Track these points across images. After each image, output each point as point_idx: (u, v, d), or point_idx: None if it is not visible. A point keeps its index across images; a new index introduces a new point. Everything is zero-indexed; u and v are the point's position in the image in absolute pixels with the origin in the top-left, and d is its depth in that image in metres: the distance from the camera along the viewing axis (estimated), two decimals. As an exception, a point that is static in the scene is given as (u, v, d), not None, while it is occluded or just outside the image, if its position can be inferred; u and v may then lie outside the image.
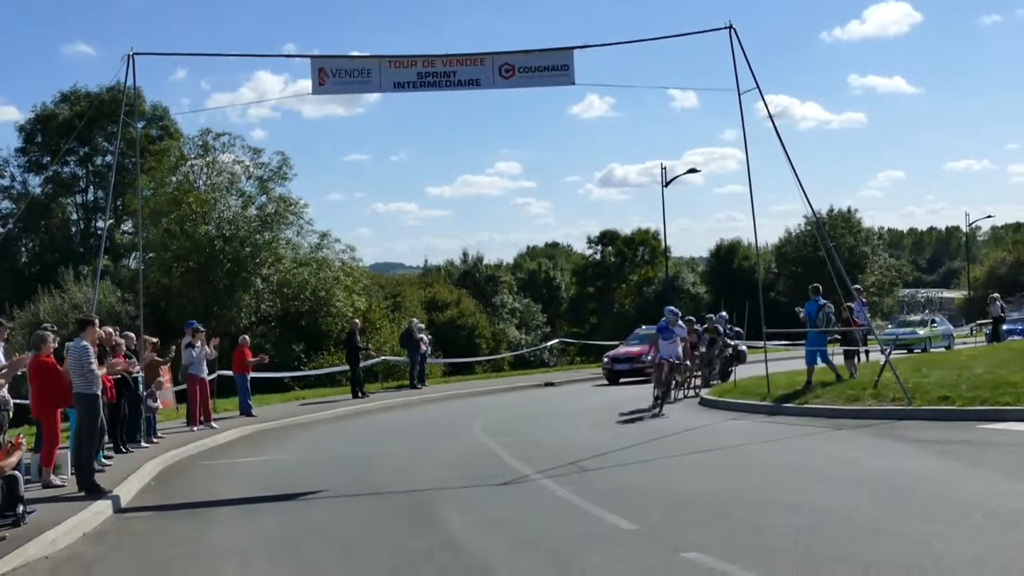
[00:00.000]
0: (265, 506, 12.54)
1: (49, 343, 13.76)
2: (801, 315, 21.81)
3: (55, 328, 15.69)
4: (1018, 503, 9.40)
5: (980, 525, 8.64)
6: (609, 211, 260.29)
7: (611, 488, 11.96)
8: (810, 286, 21.66)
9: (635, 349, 32.57)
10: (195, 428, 21.16)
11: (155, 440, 19.09)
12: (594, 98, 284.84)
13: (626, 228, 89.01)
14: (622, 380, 32.33)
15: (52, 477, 13.73)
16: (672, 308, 22.82)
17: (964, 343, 44.52)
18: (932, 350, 40.81)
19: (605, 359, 34.41)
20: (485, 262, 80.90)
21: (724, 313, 29.36)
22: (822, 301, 21.17)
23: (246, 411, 24.72)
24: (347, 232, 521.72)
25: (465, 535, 9.87)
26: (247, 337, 26.85)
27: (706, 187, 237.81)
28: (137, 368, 17.91)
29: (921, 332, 43.16)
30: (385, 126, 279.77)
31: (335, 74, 18.12)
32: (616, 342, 42.47)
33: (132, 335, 18.96)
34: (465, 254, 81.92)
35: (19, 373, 13.80)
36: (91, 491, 12.81)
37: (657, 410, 21.17)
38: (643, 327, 36.63)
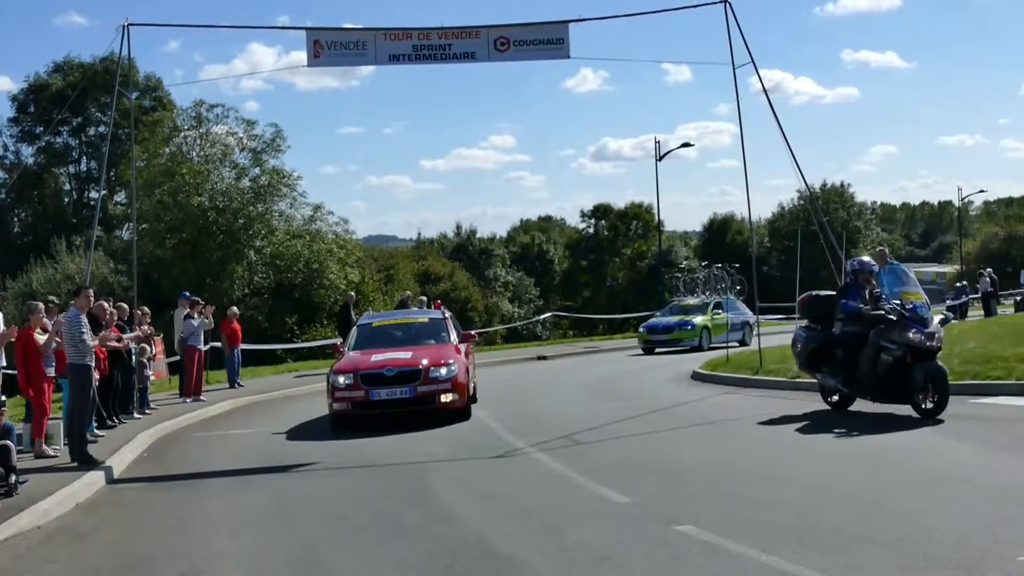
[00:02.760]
0: (257, 478, 12.56)
1: (37, 315, 13.74)
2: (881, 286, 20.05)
3: (52, 300, 15.67)
4: (1009, 478, 9.43)
5: (971, 499, 8.68)
6: (602, 185, 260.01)
7: (605, 461, 11.99)
8: (878, 249, 20.96)
9: (403, 356, 17.12)
10: (188, 400, 21.17)
11: (148, 412, 19.10)
12: (588, 72, 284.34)
13: (619, 202, 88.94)
14: (365, 412, 16.67)
15: (44, 448, 13.73)
16: None
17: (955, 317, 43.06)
18: (712, 347, 32.00)
19: (342, 379, 16.63)
20: (478, 235, 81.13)
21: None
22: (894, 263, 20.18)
23: (234, 383, 24.78)
24: (340, 205, 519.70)
25: (459, 507, 9.89)
26: (236, 309, 26.84)
27: (699, 161, 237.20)
28: (131, 339, 17.84)
29: (698, 321, 33.42)
30: (379, 99, 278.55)
31: (330, 46, 18.06)
32: (620, 315, 38.88)
33: (125, 306, 18.93)
34: (459, 227, 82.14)
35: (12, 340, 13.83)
36: (84, 462, 12.82)
37: None
38: (382, 316, 22.35)
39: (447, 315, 19.99)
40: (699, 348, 32.08)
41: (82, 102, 56.91)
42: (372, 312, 20.85)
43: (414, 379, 16.49)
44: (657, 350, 33.01)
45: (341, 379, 16.67)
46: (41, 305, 14.09)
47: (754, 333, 32.89)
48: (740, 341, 33.05)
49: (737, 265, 39.84)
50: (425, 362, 16.68)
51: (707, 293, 37.26)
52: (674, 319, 34.00)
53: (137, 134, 41.61)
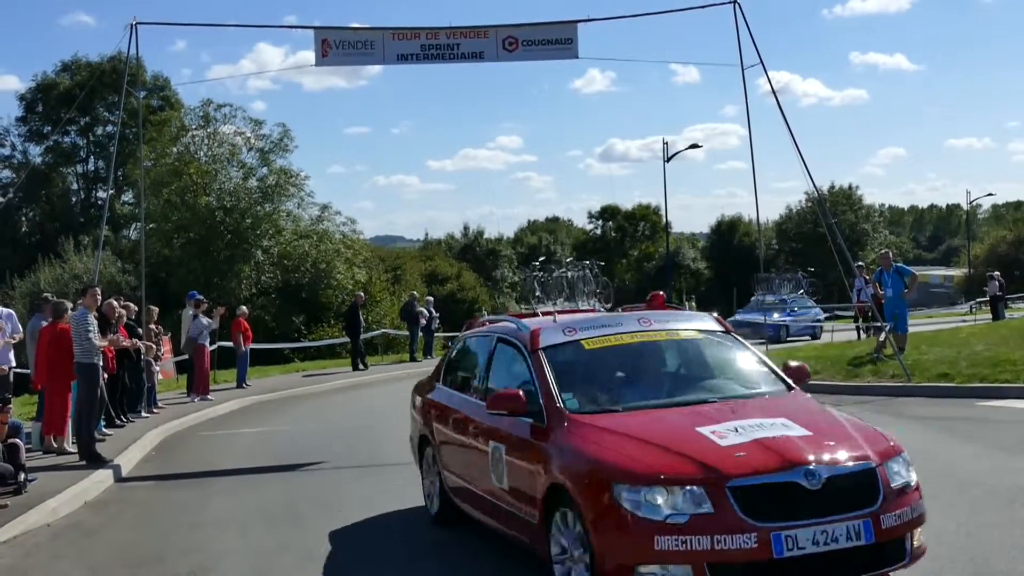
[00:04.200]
0: (265, 476, 12.57)
1: (68, 314, 13.74)
2: (885, 288, 19.74)
3: (55, 297, 15.72)
4: (1017, 480, 9.42)
5: (979, 501, 8.67)
6: (610, 186, 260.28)
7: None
8: (882, 252, 20.80)
9: (794, 431, 6.45)
10: (195, 399, 21.18)
11: (155, 410, 19.12)
12: (596, 72, 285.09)
13: (627, 203, 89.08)
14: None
15: (66, 445, 13.79)
16: None
17: (963, 321, 42.54)
18: None
19: (660, 498, 5.93)
20: (486, 236, 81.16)
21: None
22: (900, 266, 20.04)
23: (242, 382, 24.77)
24: (348, 205, 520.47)
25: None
26: (245, 308, 26.87)
27: (707, 163, 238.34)
28: (141, 342, 17.84)
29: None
30: (386, 99, 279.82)
31: (338, 46, 18.02)
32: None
33: (133, 306, 18.93)
34: (466, 228, 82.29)
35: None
36: (92, 460, 12.85)
37: None
38: (589, 325, 8.06)
39: (729, 327, 8.73)
40: None
41: (90, 101, 57.14)
42: (559, 317, 8.23)
43: (868, 498, 6.21)
44: None
45: (659, 498, 6.06)
46: (69, 304, 14.14)
47: None
48: None
49: (602, 264, 37.32)
50: (871, 450, 6.48)
51: (577, 299, 30.69)
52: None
53: (145, 134, 41.66)
